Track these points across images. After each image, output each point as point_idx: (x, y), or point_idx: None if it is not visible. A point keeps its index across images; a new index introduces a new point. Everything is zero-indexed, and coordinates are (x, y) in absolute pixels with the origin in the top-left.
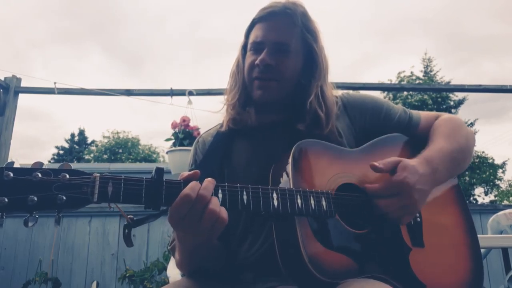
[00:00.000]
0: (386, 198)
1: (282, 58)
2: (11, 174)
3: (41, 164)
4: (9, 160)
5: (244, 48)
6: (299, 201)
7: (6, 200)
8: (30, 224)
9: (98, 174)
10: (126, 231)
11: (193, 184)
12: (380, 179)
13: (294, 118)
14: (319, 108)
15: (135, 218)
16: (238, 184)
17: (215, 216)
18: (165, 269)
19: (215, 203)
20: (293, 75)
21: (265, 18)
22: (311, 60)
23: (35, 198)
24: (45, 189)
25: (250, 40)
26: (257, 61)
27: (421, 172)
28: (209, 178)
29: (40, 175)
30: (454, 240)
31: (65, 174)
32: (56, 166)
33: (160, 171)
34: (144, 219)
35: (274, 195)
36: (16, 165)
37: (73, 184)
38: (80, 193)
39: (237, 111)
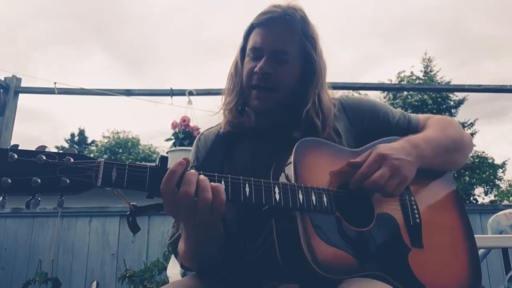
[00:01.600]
0: (372, 175)
1: (280, 66)
2: (16, 156)
3: (45, 147)
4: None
5: (242, 50)
6: (300, 196)
7: (10, 181)
8: (32, 206)
9: (103, 159)
10: (131, 218)
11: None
12: None
13: (290, 126)
14: (315, 116)
15: (137, 206)
16: (241, 177)
17: (208, 198)
18: (165, 269)
19: (204, 185)
20: (290, 82)
21: (264, 23)
22: (309, 67)
23: (39, 180)
24: (49, 171)
25: (249, 45)
26: (256, 69)
27: (396, 146)
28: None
29: (44, 157)
30: (452, 241)
31: (69, 157)
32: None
33: (164, 159)
34: (147, 209)
35: (276, 189)
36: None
37: (78, 168)
38: (84, 177)
39: (234, 115)
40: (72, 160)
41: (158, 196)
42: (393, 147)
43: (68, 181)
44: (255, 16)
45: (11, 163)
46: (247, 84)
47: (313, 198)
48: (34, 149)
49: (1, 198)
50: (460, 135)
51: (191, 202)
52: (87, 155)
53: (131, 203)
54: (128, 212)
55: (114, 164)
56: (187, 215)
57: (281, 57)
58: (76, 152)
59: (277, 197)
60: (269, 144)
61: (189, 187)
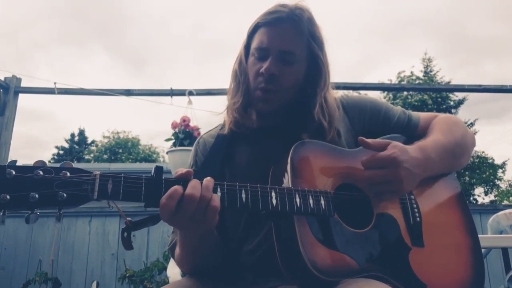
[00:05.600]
0: (373, 169)
1: (286, 67)
2: (13, 172)
3: (43, 162)
4: (9, 160)
5: (246, 48)
6: (297, 200)
7: (8, 197)
8: (31, 221)
9: (99, 172)
10: (125, 234)
11: (177, 187)
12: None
13: (298, 127)
14: (323, 118)
15: (133, 221)
16: (237, 183)
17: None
18: (165, 269)
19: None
20: (296, 83)
21: (270, 23)
22: (315, 68)
23: (36, 196)
24: (46, 186)
25: (254, 44)
26: (262, 70)
27: (411, 154)
28: (195, 181)
29: (41, 173)
30: (454, 240)
31: (66, 172)
32: (57, 165)
33: (159, 170)
34: (143, 223)
35: (273, 194)
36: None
37: (74, 182)
38: (80, 191)
39: (240, 115)
40: (68, 174)
41: (155, 207)
42: (408, 154)
43: (65, 195)
44: (260, 14)
45: (9, 179)
46: (253, 85)
47: (311, 201)
48: (33, 161)
49: (1, 214)
50: (465, 138)
51: (191, 212)
52: (83, 169)
53: (127, 218)
54: (124, 226)
55: (110, 176)
56: (185, 224)
57: (287, 58)
58: (73, 166)
59: (274, 201)
60: (269, 145)
61: (193, 198)
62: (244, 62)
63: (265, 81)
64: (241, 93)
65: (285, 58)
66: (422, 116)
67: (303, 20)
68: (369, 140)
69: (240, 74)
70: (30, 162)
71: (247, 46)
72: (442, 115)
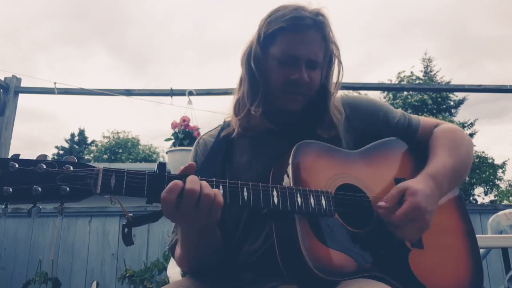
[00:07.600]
0: (403, 226)
1: (314, 74)
2: (17, 165)
3: (45, 156)
4: None
5: (263, 47)
6: (299, 199)
7: (11, 190)
8: (33, 214)
9: (102, 167)
10: (126, 229)
11: (177, 182)
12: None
13: (314, 124)
14: (333, 114)
15: (134, 216)
16: (239, 181)
17: (208, 203)
18: (165, 269)
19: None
20: (319, 85)
21: (297, 29)
22: (333, 69)
23: (39, 189)
24: (49, 180)
25: (280, 49)
26: (297, 78)
27: (429, 193)
28: (194, 176)
29: (44, 166)
30: (453, 242)
31: (69, 166)
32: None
33: (162, 166)
34: (144, 219)
35: (274, 192)
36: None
37: (77, 176)
38: (83, 185)
39: (256, 122)
40: (71, 168)
41: (157, 202)
42: (425, 194)
43: (68, 189)
44: (279, 15)
45: (12, 172)
46: (282, 89)
47: (312, 201)
48: (34, 158)
49: (3, 206)
50: (467, 154)
51: (193, 206)
52: (87, 163)
53: (129, 213)
54: (125, 223)
55: (113, 171)
56: (186, 220)
57: (314, 65)
58: (76, 160)
59: (276, 200)
60: (270, 144)
61: (193, 192)
62: (262, 61)
63: (299, 87)
64: (261, 98)
65: (312, 65)
66: (422, 120)
67: (326, 26)
68: (382, 202)
69: (259, 75)
70: None
71: (264, 46)
72: (443, 126)
